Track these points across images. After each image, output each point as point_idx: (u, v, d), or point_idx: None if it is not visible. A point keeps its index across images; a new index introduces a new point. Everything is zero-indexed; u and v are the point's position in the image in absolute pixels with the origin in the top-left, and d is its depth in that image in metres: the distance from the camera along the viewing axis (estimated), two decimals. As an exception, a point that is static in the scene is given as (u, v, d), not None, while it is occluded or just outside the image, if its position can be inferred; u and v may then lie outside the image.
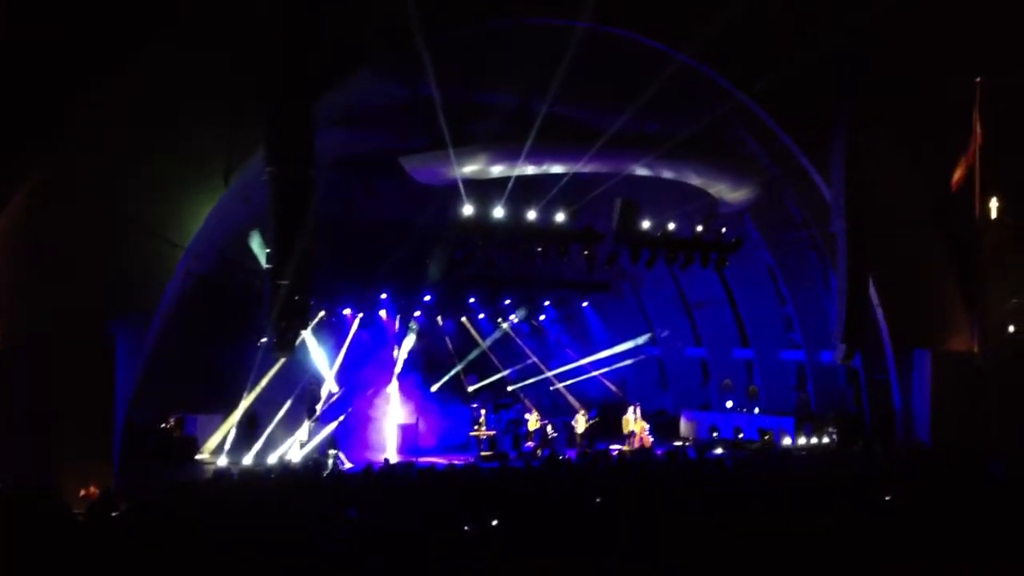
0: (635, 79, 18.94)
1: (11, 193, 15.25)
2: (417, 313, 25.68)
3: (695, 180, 22.60)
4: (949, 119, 21.17)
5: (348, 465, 20.65)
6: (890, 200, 22.31)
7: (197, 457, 21.34)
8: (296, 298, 16.03)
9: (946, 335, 23.24)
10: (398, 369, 25.07)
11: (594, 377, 28.64)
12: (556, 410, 27.29)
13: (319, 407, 22.89)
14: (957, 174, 21.46)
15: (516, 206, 21.06)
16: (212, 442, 21.70)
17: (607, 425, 25.35)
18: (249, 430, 21.43)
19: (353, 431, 23.39)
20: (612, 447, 23.70)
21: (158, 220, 16.46)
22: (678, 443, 25.76)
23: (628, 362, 29.00)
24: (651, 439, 24.40)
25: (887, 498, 12.66)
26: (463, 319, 27.51)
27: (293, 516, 11.26)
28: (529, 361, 27.95)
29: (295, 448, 21.75)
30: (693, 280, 28.25)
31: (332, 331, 24.11)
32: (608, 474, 16.55)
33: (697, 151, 21.61)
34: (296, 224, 15.73)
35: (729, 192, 22.92)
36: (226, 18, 16.18)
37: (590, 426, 25.08)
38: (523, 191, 20.95)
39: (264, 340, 17.26)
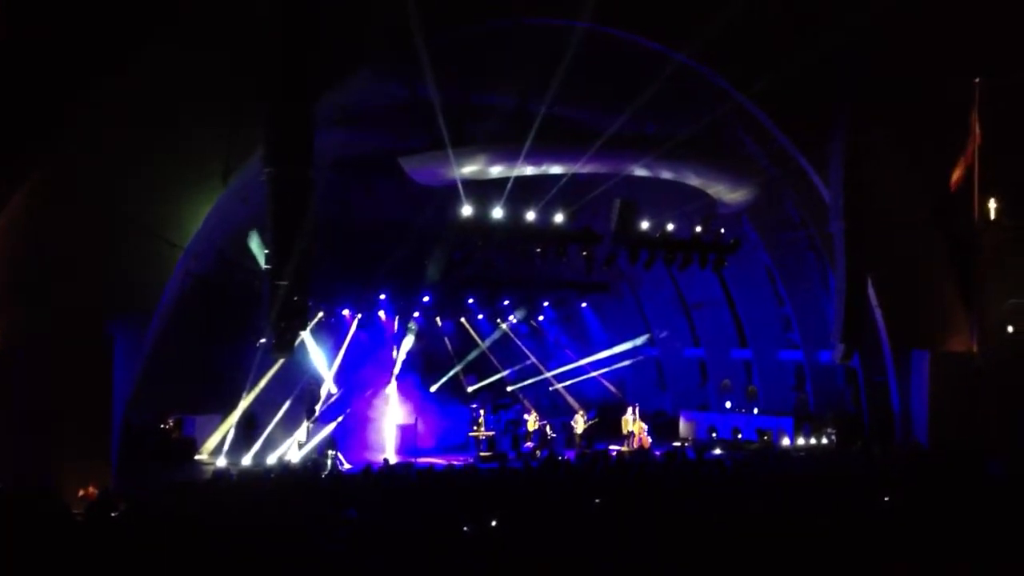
0: (634, 80, 18.94)
1: (11, 193, 15.25)
2: (416, 314, 25.67)
3: (694, 181, 22.60)
4: (948, 119, 21.19)
5: (347, 466, 20.65)
6: (889, 200, 22.32)
7: (196, 457, 21.37)
8: (295, 298, 16.02)
9: (945, 335, 23.24)
10: (397, 370, 25.07)
11: (593, 378, 28.67)
12: (555, 411, 27.30)
13: (318, 408, 22.88)
14: (956, 174, 21.47)
15: (515, 207, 21.06)
16: (211, 443, 21.72)
17: (606, 426, 25.37)
18: (248, 431, 21.44)
19: (352, 432, 23.38)
20: (611, 448, 23.71)
21: (157, 220, 16.46)
22: (677, 444, 25.76)
23: (627, 363, 29.02)
24: (650, 440, 24.41)
25: (886, 499, 12.66)
26: (462, 319, 27.52)
27: (292, 517, 11.26)
28: (528, 362, 27.97)
29: (294, 449, 21.74)
30: (692, 281, 28.26)
31: (331, 332, 24.12)
32: (607, 475, 16.56)
33: (696, 152, 21.62)
34: (295, 224, 15.72)
35: (728, 193, 22.93)
36: (226, 18, 16.19)
37: (589, 427, 25.09)
38: (522, 192, 20.95)
39: (263, 341, 17.22)
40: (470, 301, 27.27)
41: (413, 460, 20.45)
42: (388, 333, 25.54)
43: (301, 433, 22.15)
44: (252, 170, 16.73)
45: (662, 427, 27.35)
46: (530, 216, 21.29)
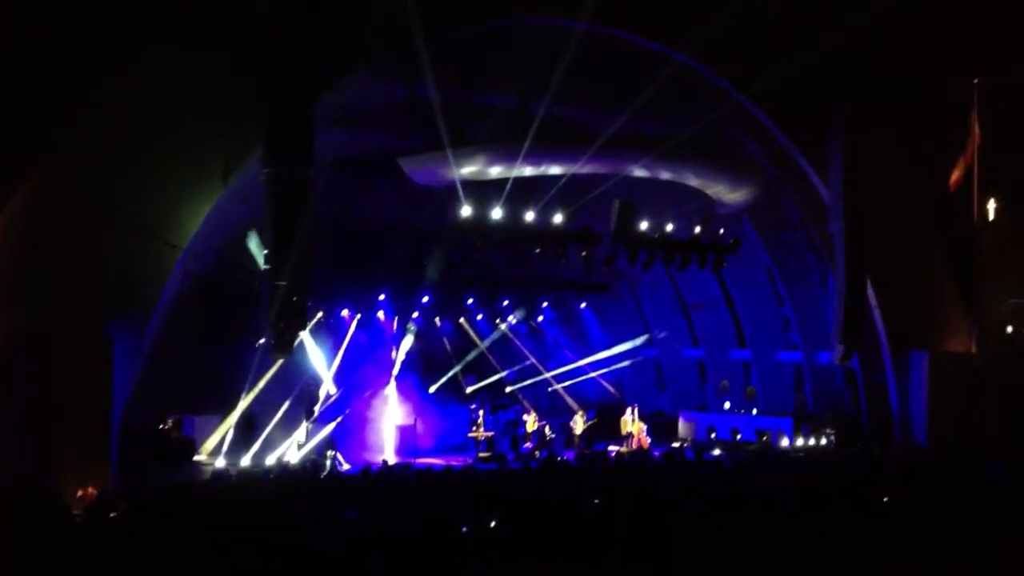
0: (634, 80, 18.94)
1: (11, 193, 15.23)
2: (415, 314, 25.66)
3: (693, 181, 22.61)
4: (948, 119, 21.20)
5: (346, 466, 20.63)
6: (888, 201, 22.33)
7: (195, 458, 21.33)
8: (294, 299, 16.00)
9: (944, 336, 23.25)
10: (396, 370, 25.05)
11: (592, 378, 28.65)
12: (554, 411, 27.29)
13: (317, 408, 22.87)
14: (955, 175, 21.48)
15: (514, 207, 21.06)
16: (210, 443, 21.69)
17: (605, 426, 25.37)
18: (247, 431, 21.41)
19: (351, 432, 23.37)
20: (610, 448, 23.71)
21: (157, 220, 16.46)
22: (676, 444, 25.76)
23: (626, 363, 29.02)
24: (649, 440, 24.41)
25: (885, 499, 12.65)
26: (461, 320, 27.51)
27: (291, 517, 11.25)
28: (527, 362, 27.96)
29: (293, 449, 21.74)
30: (691, 281, 28.26)
31: (330, 332, 24.09)
32: (606, 475, 16.57)
33: (695, 152, 21.63)
34: (294, 225, 15.70)
35: (727, 193, 22.93)
36: (226, 18, 16.17)
37: (588, 427, 25.09)
38: (521, 192, 20.95)
39: (262, 341, 17.22)
40: (469, 301, 27.26)
41: (412, 461, 20.44)
42: (387, 333, 25.53)
43: (300, 434, 22.14)
44: (252, 170, 16.71)
45: (661, 428, 27.33)
46: (529, 216, 21.29)
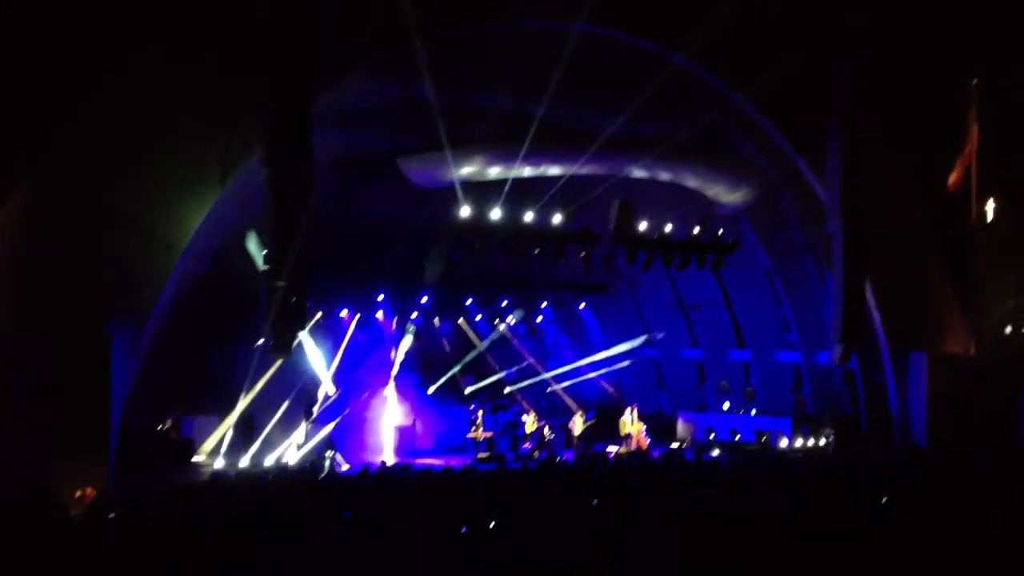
0: (632, 81, 18.93)
1: (9, 193, 15.22)
2: (414, 314, 25.68)
3: (692, 182, 22.61)
4: (948, 120, 21.20)
5: (345, 467, 20.62)
6: (887, 201, 22.30)
7: (194, 459, 21.31)
8: (293, 299, 15.97)
9: (943, 337, 23.23)
10: (395, 370, 25.07)
11: (591, 378, 28.66)
12: (553, 411, 27.29)
13: (316, 409, 22.87)
14: (954, 175, 21.49)
15: (513, 207, 21.06)
16: (209, 444, 21.66)
17: (604, 426, 25.34)
18: (246, 432, 21.40)
19: (350, 433, 23.38)
20: (609, 448, 23.70)
21: (156, 221, 16.45)
22: (675, 445, 25.71)
23: (625, 363, 29.03)
24: (648, 440, 24.40)
25: (883, 500, 12.64)
26: (460, 320, 27.52)
27: (290, 518, 11.24)
28: (526, 362, 27.99)
29: (292, 450, 21.73)
30: (689, 281, 28.26)
31: (329, 332, 24.10)
32: (605, 475, 16.54)
33: (694, 153, 21.64)
34: (293, 225, 15.68)
35: (726, 194, 22.94)
36: (225, 18, 16.17)
37: (587, 427, 25.05)
38: (520, 193, 20.96)
39: (261, 341, 17.21)
40: (468, 302, 27.28)
41: (411, 461, 20.44)
42: (386, 334, 25.55)
43: (299, 434, 22.15)
44: (250, 171, 16.71)
45: (660, 428, 27.29)
46: (528, 217, 21.29)
